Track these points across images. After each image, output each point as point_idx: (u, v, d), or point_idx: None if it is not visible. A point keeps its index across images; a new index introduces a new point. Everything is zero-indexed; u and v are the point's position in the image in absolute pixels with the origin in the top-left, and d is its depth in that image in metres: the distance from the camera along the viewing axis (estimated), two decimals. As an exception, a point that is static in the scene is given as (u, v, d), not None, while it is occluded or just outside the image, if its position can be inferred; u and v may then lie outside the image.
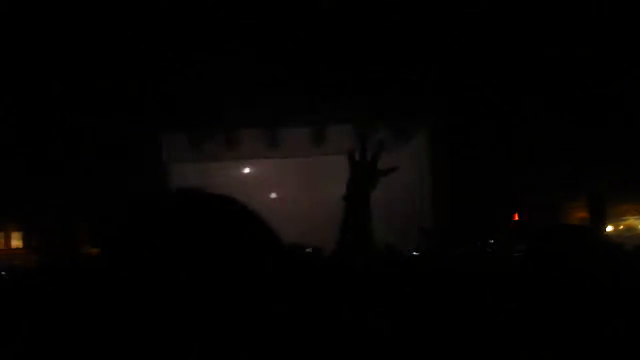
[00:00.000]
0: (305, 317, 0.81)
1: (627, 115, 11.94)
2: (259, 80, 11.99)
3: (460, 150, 13.14)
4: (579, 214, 13.88)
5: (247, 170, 16.32)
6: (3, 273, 6.08)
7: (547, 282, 1.48)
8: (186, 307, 0.74)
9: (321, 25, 11.33)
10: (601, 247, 1.58)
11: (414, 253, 10.94)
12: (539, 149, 12.54)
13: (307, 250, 12.61)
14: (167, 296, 0.74)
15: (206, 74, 11.83)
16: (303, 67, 12.00)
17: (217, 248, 0.78)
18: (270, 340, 0.75)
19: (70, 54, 11.00)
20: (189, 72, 11.78)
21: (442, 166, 13.74)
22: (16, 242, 13.04)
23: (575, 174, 13.08)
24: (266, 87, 12.18)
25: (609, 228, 13.90)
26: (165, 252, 0.77)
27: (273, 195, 16.09)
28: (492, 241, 9.57)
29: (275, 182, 15.91)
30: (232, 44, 11.44)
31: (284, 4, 10.86)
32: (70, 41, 10.78)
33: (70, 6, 10.29)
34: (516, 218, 12.46)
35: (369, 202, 1.98)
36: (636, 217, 14.63)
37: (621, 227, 14.63)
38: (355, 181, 1.97)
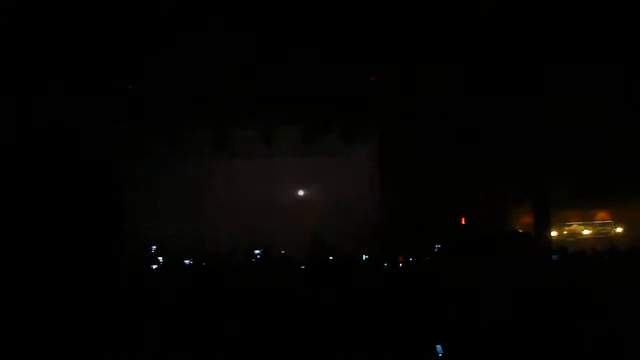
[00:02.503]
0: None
1: (573, 120, 12.22)
2: (210, 81, 11.83)
3: (410, 155, 13.25)
4: (525, 219, 14.16)
5: (198, 171, 16.08)
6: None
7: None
8: None
9: (275, 27, 11.24)
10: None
11: (365, 257, 11.01)
12: (485, 154, 12.72)
13: (256, 252, 12.50)
14: None
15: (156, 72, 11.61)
16: (255, 68, 11.90)
17: None
18: None
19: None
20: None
21: (392, 171, 13.84)
22: None
23: (521, 180, 13.34)
24: (217, 89, 12.03)
25: (554, 233, 14.23)
26: None
27: (224, 196, 15.93)
28: (439, 245, 9.66)
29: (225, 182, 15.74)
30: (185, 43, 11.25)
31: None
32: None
33: None
34: (463, 222, 12.62)
35: None
36: (579, 222, 15.02)
37: (565, 232, 15.00)
38: None
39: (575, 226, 15.05)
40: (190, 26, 10.55)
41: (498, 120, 12.43)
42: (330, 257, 8.88)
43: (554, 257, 7.37)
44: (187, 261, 9.68)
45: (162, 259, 10.24)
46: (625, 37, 10.52)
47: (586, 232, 15.00)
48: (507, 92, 11.90)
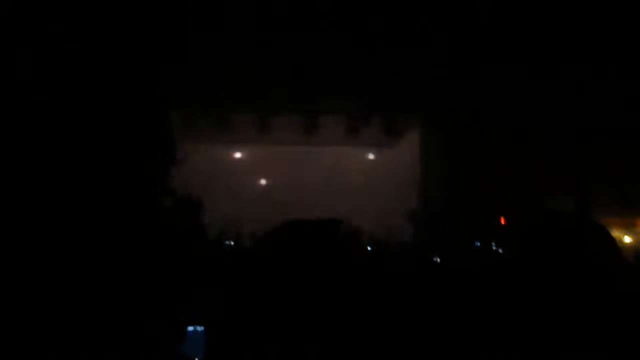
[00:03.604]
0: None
1: (612, 124, 12.02)
2: (254, 66, 11.90)
3: (452, 148, 13.16)
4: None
5: (238, 155, 16.22)
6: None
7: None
8: None
9: (318, 16, 11.26)
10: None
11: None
12: (529, 152, 12.58)
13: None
14: None
15: (201, 55, 11.71)
16: (298, 54, 11.93)
17: None
18: None
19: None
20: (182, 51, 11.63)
21: (434, 164, 13.76)
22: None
23: (565, 181, 13.15)
24: (261, 74, 12.09)
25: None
26: None
27: (262, 181, 16.04)
28: (479, 243, 9.60)
29: (266, 168, 15.84)
30: (227, 26, 11.32)
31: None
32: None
33: None
34: (503, 222, 12.49)
35: None
36: (621, 229, 14.74)
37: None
38: None
39: (616, 234, 14.79)
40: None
41: (543, 121, 12.27)
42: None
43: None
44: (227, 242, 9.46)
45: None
46: None
47: (627, 239, 14.73)
48: (554, 92, 11.74)
